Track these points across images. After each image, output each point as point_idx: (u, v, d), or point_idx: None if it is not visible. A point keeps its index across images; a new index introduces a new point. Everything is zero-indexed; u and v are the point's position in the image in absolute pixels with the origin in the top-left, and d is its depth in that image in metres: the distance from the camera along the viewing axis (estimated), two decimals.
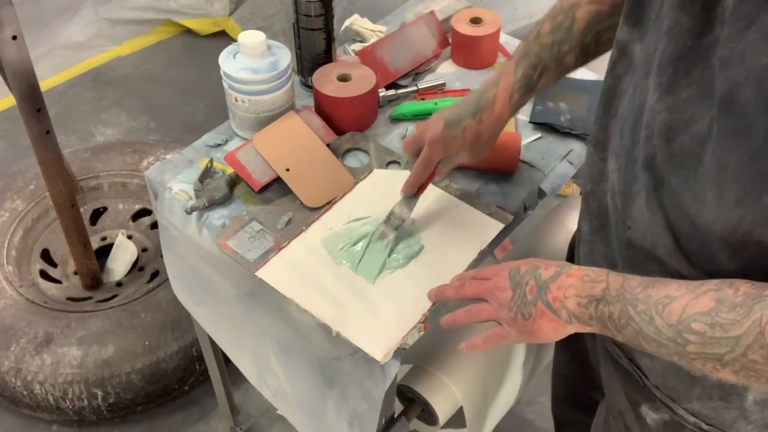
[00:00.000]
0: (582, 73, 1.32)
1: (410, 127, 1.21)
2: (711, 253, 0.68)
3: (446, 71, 1.36)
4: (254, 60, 1.13)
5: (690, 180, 0.67)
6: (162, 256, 1.30)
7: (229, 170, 1.14)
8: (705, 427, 0.82)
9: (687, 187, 0.67)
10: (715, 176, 0.64)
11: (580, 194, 1.00)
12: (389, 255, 1.02)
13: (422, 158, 0.99)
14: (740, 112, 0.59)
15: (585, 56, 0.94)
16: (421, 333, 0.95)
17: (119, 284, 1.96)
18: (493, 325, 0.84)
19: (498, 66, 1.37)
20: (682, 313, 0.65)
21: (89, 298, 1.90)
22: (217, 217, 1.09)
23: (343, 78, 1.20)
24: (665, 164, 0.69)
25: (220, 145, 1.20)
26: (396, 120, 1.25)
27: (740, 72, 0.58)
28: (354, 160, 1.18)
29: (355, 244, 1.04)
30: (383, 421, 1.05)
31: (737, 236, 0.64)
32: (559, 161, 1.18)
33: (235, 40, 1.25)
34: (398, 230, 1.04)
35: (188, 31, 3.05)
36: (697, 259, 0.70)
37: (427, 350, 1.17)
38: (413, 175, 1.02)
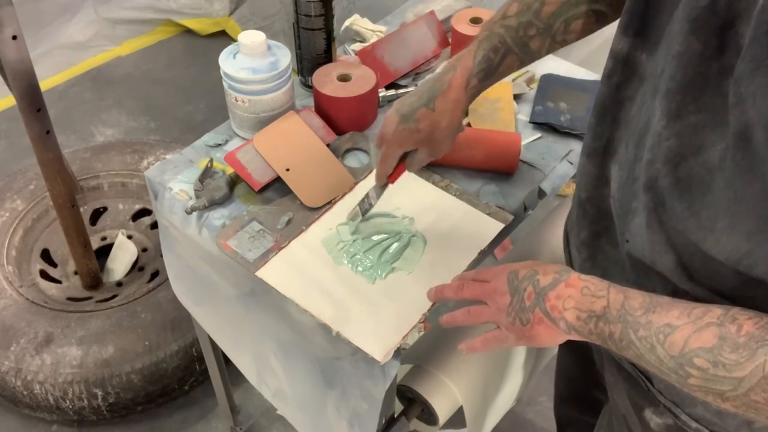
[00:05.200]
0: (582, 73, 1.32)
1: None
2: (713, 271, 0.68)
3: None
4: (254, 60, 1.13)
5: (696, 206, 0.66)
6: (162, 256, 1.30)
7: (229, 170, 1.14)
8: None
9: (692, 212, 0.66)
10: (729, 207, 0.63)
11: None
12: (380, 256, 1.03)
13: (381, 155, 0.96)
14: (756, 150, 0.58)
15: (551, 43, 0.90)
16: (421, 333, 0.95)
17: (119, 284, 1.96)
18: (493, 326, 0.84)
19: None
20: (684, 346, 0.65)
21: (89, 298, 1.90)
22: (217, 217, 1.09)
23: (343, 78, 1.20)
24: (669, 189, 0.68)
25: (220, 145, 1.20)
26: None
27: (754, 113, 0.57)
28: (354, 160, 1.18)
29: (354, 242, 1.04)
30: (383, 421, 1.05)
31: (741, 266, 0.64)
32: (559, 161, 1.18)
33: (235, 40, 1.25)
34: (365, 214, 1.05)
35: (188, 31, 3.05)
36: (699, 276, 0.70)
37: (427, 350, 1.16)
38: (377, 169, 1.00)
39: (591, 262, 0.89)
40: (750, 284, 0.65)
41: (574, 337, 0.76)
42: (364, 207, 1.05)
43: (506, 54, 0.90)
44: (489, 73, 0.91)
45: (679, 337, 0.65)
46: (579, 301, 0.73)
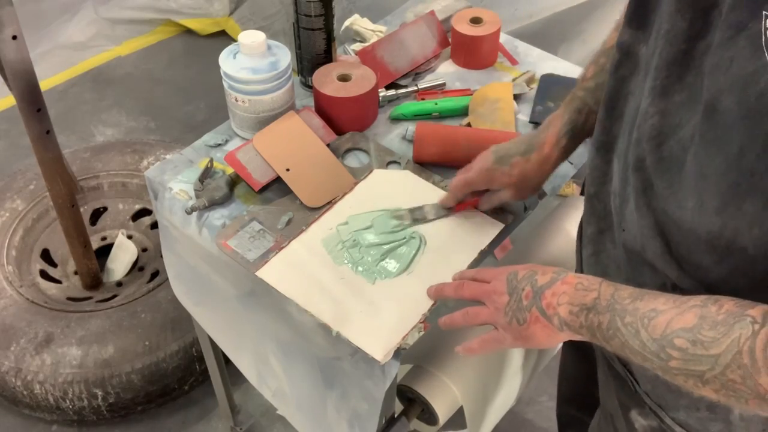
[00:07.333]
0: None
1: (410, 128, 1.21)
2: (697, 258, 0.68)
3: (446, 71, 1.36)
4: (254, 60, 1.13)
5: (674, 185, 0.67)
6: (162, 256, 1.30)
7: (229, 170, 1.14)
8: None
9: (672, 192, 0.67)
10: (696, 184, 0.63)
11: (582, 194, 1.00)
12: (388, 254, 1.02)
13: (464, 178, 1.01)
14: (721, 120, 0.59)
15: None
16: (421, 333, 0.95)
17: (119, 284, 1.96)
18: (492, 329, 0.84)
19: (498, 66, 1.37)
20: (666, 328, 0.65)
21: (89, 298, 1.90)
22: (217, 217, 1.09)
23: (343, 78, 1.20)
24: (653, 168, 0.69)
25: (220, 145, 1.20)
26: (396, 120, 1.25)
27: (725, 79, 0.57)
28: (354, 160, 1.18)
29: (354, 241, 1.04)
30: (383, 421, 1.04)
31: (721, 242, 0.64)
32: None
33: (235, 40, 1.25)
34: (415, 224, 1.06)
35: (188, 31, 3.05)
36: (686, 264, 0.70)
37: (427, 350, 1.16)
38: (450, 189, 1.05)
39: (595, 258, 0.89)
40: (732, 274, 0.65)
41: (567, 334, 0.76)
42: (416, 216, 1.07)
43: (589, 114, 0.94)
44: (576, 133, 0.96)
45: (663, 320, 0.65)
46: (572, 296, 0.74)
